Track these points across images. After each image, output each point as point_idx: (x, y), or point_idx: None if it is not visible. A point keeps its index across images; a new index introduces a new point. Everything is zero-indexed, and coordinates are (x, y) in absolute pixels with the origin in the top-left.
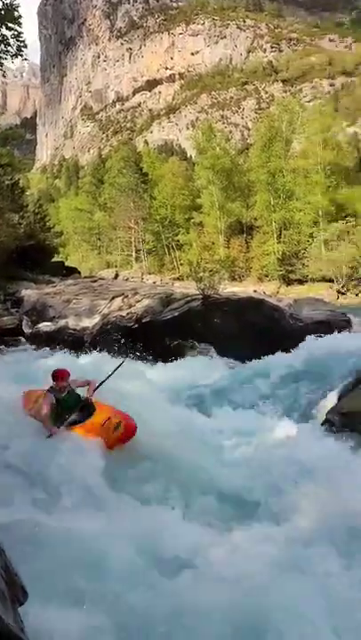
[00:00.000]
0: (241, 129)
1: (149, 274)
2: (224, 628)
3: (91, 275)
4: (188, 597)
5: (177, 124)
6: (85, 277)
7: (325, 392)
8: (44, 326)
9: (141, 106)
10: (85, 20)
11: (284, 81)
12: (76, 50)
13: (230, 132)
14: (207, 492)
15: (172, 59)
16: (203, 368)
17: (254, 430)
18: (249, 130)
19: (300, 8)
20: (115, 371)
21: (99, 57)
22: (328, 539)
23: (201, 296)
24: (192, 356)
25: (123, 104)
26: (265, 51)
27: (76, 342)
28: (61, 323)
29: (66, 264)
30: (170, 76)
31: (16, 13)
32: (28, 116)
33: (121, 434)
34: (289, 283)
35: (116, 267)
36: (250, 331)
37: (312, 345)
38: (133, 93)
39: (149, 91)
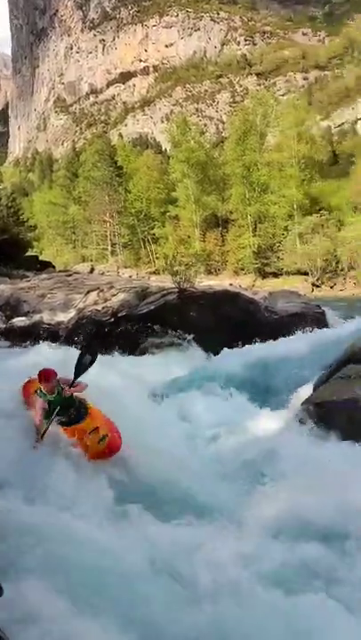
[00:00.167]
0: (216, 122)
1: (125, 268)
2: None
3: (66, 269)
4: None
5: (152, 117)
6: (60, 272)
7: (301, 383)
8: (19, 321)
9: (115, 98)
10: (57, 10)
11: (258, 74)
12: (48, 41)
13: (205, 125)
14: (181, 485)
15: (145, 51)
16: (179, 361)
17: (230, 422)
18: (224, 123)
19: (273, 1)
20: (83, 366)
21: (71, 48)
22: (294, 530)
23: (177, 289)
24: (168, 350)
25: (97, 96)
26: (239, 44)
27: (52, 337)
28: (36, 317)
29: (40, 258)
30: (144, 68)
31: None
32: (0, 108)
33: (104, 448)
34: (264, 276)
35: (91, 261)
36: (226, 323)
37: (287, 337)
38: (107, 86)
39: (123, 83)
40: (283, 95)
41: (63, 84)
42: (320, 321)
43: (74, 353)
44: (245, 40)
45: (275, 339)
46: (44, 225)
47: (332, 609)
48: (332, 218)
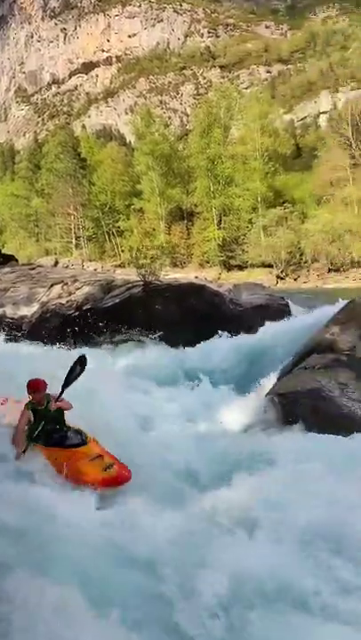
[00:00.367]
0: (180, 114)
1: (90, 261)
2: None
3: (29, 262)
4: None
5: (115, 109)
6: (23, 265)
7: (265, 374)
8: None
9: (78, 89)
10: None
11: (221, 67)
12: (8, 29)
13: (169, 117)
14: (147, 474)
15: (108, 41)
16: (144, 354)
17: (195, 413)
18: (188, 115)
19: None
20: (73, 376)
21: (32, 37)
22: (256, 520)
23: (142, 282)
24: (133, 343)
25: (59, 87)
26: (202, 35)
27: (15, 331)
28: None
29: (2, 252)
30: (107, 58)
31: None
32: None
33: (113, 476)
34: (230, 268)
35: (55, 254)
36: (191, 316)
37: (252, 329)
38: (70, 76)
39: (86, 73)
40: (246, 88)
41: (24, 73)
42: (284, 312)
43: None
44: (209, 32)
45: (239, 331)
46: (7, 218)
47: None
48: (296, 210)
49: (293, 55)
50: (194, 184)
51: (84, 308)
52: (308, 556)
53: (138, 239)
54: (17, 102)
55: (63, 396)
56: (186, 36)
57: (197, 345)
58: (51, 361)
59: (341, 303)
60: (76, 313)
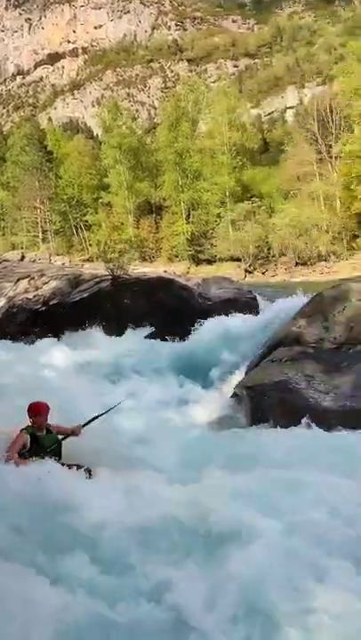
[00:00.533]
0: (148, 108)
1: (57, 255)
2: None
3: None
4: None
5: (82, 101)
6: None
7: (233, 367)
8: None
9: (44, 80)
10: None
11: (189, 60)
12: None
13: (137, 110)
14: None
15: (74, 32)
16: (113, 348)
17: (164, 407)
18: (155, 109)
19: None
20: (108, 410)
21: None
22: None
23: (110, 277)
24: (102, 336)
25: (24, 78)
26: (170, 28)
27: None
28: None
29: None
30: (73, 49)
31: None
32: None
33: None
34: (198, 263)
35: (21, 248)
36: (160, 310)
37: (222, 323)
38: (35, 67)
39: (52, 65)
40: (214, 82)
41: None
42: (252, 306)
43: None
44: (176, 25)
45: (209, 324)
46: None
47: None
48: (264, 205)
49: (260, 50)
50: (162, 178)
51: (52, 302)
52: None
53: (106, 233)
54: None
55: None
56: (153, 29)
57: (168, 338)
58: (18, 359)
59: (300, 297)
60: (44, 308)
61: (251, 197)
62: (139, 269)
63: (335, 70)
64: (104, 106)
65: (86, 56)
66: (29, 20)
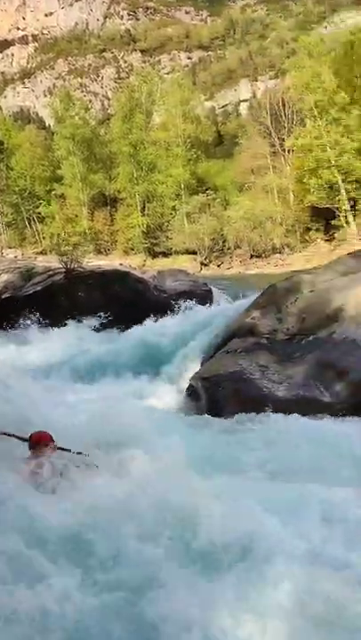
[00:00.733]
0: (101, 98)
1: (9, 248)
2: None
3: None
4: None
5: (33, 90)
6: None
7: (189, 359)
8: None
9: None
10: None
11: (142, 51)
12: None
13: (90, 100)
14: None
15: (24, 19)
16: (67, 342)
17: (118, 400)
18: (109, 99)
19: None
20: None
21: None
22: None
23: (64, 270)
24: (55, 330)
25: None
26: (122, 18)
27: None
28: None
29: None
30: (22, 37)
31: None
32: None
33: None
34: (154, 255)
35: None
36: (116, 303)
37: (177, 315)
38: None
39: (1, 52)
40: (167, 74)
41: None
42: (207, 298)
43: None
44: (128, 15)
45: (163, 316)
46: None
47: None
48: (218, 197)
49: (213, 42)
50: (116, 170)
51: (4, 296)
52: None
53: (59, 225)
54: None
55: None
56: (105, 18)
57: (122, 332)
58: None
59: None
60: None
61: (206, 190)
62: (94, 262)
63: (287, 64)
64: (56, 95)
65: (37, 44)
66: None
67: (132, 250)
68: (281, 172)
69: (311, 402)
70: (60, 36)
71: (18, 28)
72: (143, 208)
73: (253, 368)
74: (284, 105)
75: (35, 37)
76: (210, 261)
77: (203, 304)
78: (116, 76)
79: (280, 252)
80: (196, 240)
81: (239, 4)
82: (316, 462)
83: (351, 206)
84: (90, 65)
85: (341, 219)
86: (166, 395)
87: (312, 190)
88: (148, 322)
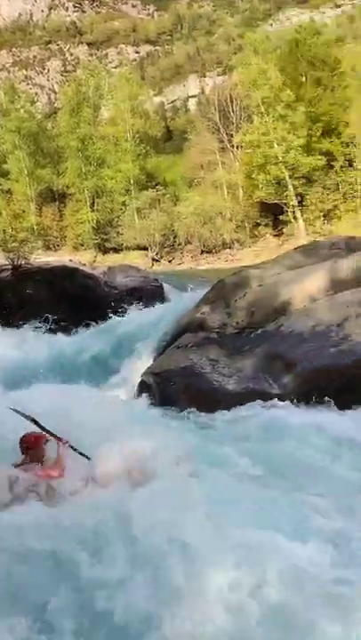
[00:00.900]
0: (47, 91)
1: None
2: None
3: None
4: None
5: None
6: None
7: (140, 355)
8: None
9: None
10: None
11: (89, 44)
12: None
13: (36, 93)
14: None
15: None
16: (13, 341)
17: (70, 396)
18: (56, 93)
19: None
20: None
21: None
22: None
23: (11, 266)
24: (2, 331)
25: None
26: (67, 9)
27: None
28: None
29: None
30: None
31: None
32: None
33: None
34: (105, 251)
35: None
36: (65, 299)
37: (126, 311)
38: None
39: None
40: (115, 67)
41: None
42: (158, 294)
43: None
44: (74, 6)
45: (114, 313)
46: None
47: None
48: (168, 193)
49: (161, 37)
50: (65, 164)
51: None
52: None
53: (6, 221)
54: None
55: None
56: (50, 9)
57: (72, 329)
58: None
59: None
60: None
61: (155, 185)
62: (42, 258)
63: (234, 61)
64: (0, 88)
65: None
66: None
67: (82, 246)
68: (230, 168)
69: (261, 394)
70: (4, 26)
71: None
72: (93, 203)
73: (204, 362)
74: (231, 101)
75: None
76: (161, 257)
77: (154, 300)
78: (63, 68)
79: (230, 248)
80: (146, 236)
81: None
82: (261, 452)
83: (298, 202)
84: (35, 57)
85: (289, 214)
86: (119, 391)
87: (260, 186)
88: (99, 318)
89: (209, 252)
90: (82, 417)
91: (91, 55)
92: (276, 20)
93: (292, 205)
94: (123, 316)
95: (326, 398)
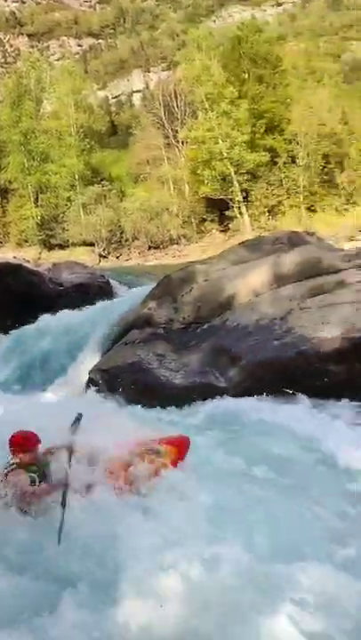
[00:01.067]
0: None
1: None
2: None
3: None
4: None
5: None
6: None
7: (88, 352)
8: None
9: None
10: None
11: (29, 35)
12: None
13: None
14: None
15: None
16: None
17: (14, 394)
18: None
19: None
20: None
21: None
22: None
23: None
24: None
25: None
26: (6, 0)
27: None
28: None
29: None
30: None
31: None
32: None
33: (175, 452)
34: (50, 247)
35: None
36: (8, 297)
37: (73, 307)
38: None
39: None
40: (57, 60)
41: None
42: (105, 290)
43: None
44: None
45: (60, 310)
46: None
47: None
48: (114, 188)
49: (104, 30)
50: (6, 159)
51: None
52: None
53: None
54: None
55: None
56: None
57: (16, 327)
58: None
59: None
60: None
61: (101, 180)
62: None
63: (178, 56)
64: None
65: None
66: None
67: (27, 242)
68: (176, 164)
69: (207, 387)
70: None
71: None
72: (37, 199)
73: (151, 358)
74: (176, 97)
75: None
76: (108, 253)
77: (101, 296)
78: (3, 60)
79: (177, 243)
80: (93, 232)
81: None
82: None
83: (244, 197)
84: None
85: (235, 210)
86: (65, 388)
87: (206, 182)
88: (45, 315)
89: (156, 247)
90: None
91: (32, 47)
92: (218, 16)
93: (238, 201)
94: (69, 312)
95: (270, 390)
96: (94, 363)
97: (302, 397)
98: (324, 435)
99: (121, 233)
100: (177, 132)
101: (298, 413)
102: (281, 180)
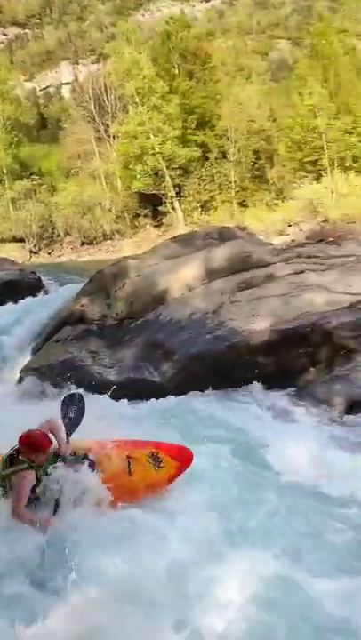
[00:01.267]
0: None
1: None
2: None
3: None
4: None
5: None
6: None
7: (19, 351)
8: None
9: None
10: None
11: None
12: None
13: None
14: None
15: None
16: None
17: None
18: None
19: None
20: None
21: None
22: None
23: None
24: None
25: None
26: None
27: None
28: None
29: None
30: None
31: None
32: None
33: (176, 467)
34: None
35: None
36: None
37: (4, 305)
38: None
39: None
40: None
41: None
42: (36, 287)
43: None
44: None
45: None
46: None
47: None
48: (45, 183)
49: (30, 20)
50: None
51: None
52: None
53: None
54: None
55: None
56: None
57: None
58: None
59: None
60: None
61: (31, 175)
62: None
63: (107, 49)
64: None
65: None
66: None
67: None
68: (107, 158)
69: (141, 382)
70: None
71: None
72: None
73: (84, 355)
74: (106, 90)
75: None
76: (40, 249)
77: (31, 293)
78: None
79: (111, 239)
80: (23, 227)
81: None
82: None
83: (177, 193)
84: None
85: (168, 205)
86: None
87: (138, 177)
88: None
89: (90, 243)
90: None
91: None
92: (147, 10)
93: (171, 196)
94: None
95: (203, 383)
96: (25, 361)
97: (233, 389)
98: (254, 425)
99: (53, 228)
100: (108, 126)
101: (227, 407)
102: (213, 176)
